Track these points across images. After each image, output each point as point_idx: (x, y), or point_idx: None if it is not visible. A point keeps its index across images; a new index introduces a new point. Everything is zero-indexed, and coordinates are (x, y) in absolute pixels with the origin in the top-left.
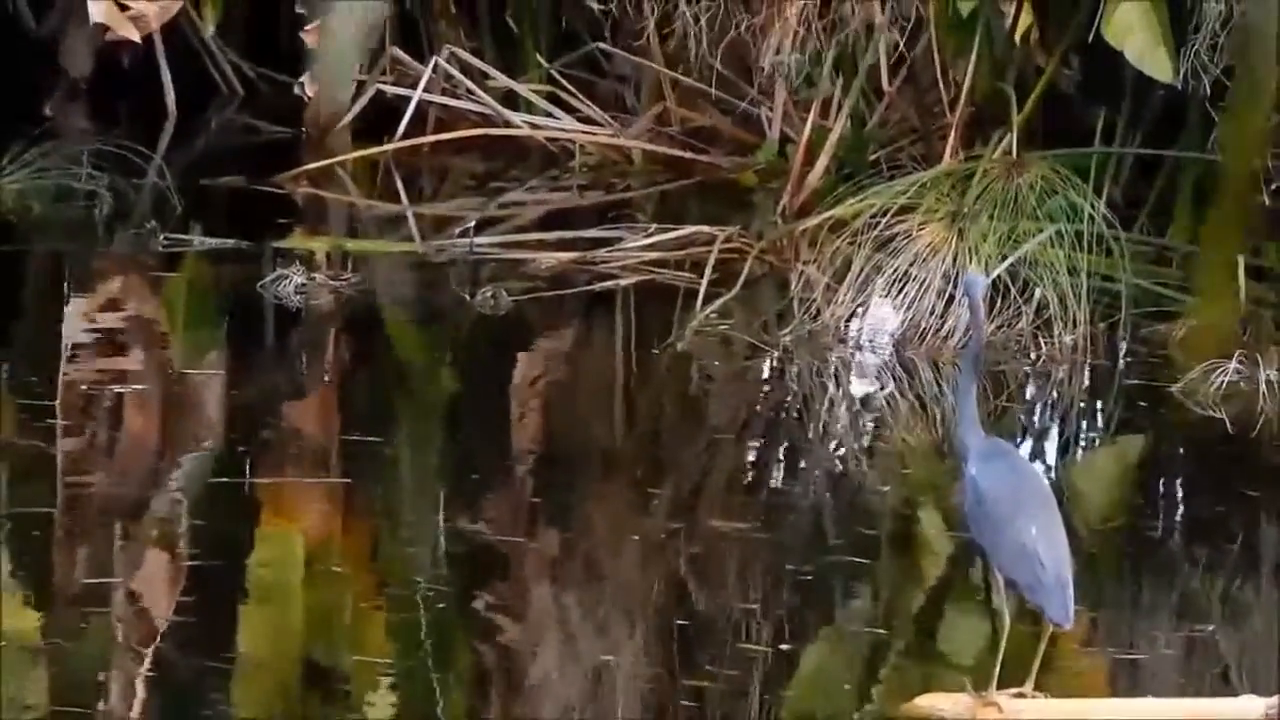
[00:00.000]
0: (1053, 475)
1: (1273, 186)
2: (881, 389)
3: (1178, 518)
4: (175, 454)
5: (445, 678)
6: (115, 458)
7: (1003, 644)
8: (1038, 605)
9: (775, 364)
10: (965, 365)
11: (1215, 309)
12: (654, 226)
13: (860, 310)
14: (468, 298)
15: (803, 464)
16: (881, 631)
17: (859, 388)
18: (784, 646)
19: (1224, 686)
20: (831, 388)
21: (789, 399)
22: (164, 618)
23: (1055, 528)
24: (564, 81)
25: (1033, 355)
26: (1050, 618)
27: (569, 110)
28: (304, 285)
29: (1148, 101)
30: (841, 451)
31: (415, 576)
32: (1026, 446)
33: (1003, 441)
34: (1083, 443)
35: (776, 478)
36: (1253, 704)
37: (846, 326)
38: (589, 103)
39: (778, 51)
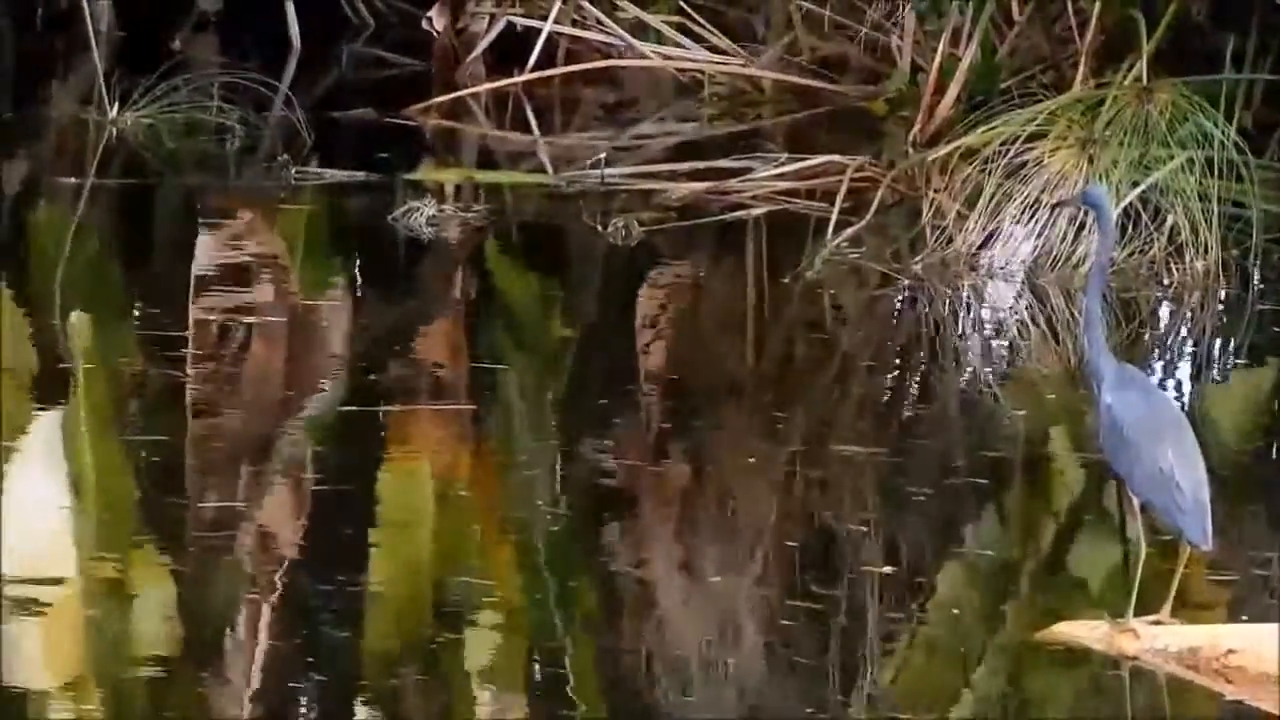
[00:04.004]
0: (1186, 400)
1: None
2: (1013, 315)
3: None
4: (315, 383)
5: (579, 603)
6: (252, 387)
7: (1138, 571)
8: (1176, 528)
9: (906, 292)
10: (1091, 288)
11: None
12: (785, 156)
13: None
14: (599, 228)
15: (935, 390)
16: (1016, 557)
17: (991, 314)
18: (919, 572)
19: None
20: (963, 314)
21: (920, 326)
22: (293, 544)
23: (1192, 451)
24: (692, 12)
25: (1165, 281)
26: (1189, 540)
27: (698, 40)
28: (435, 217)
29: (1278, 27)
30: (974, 378)
31: (549, 504)
32: (1160, 371)
33: (1135, 369)
34: (1216, 368)
35: (909, 404)
36: None
37: (977, 253)
38: (718, 33)
39: None
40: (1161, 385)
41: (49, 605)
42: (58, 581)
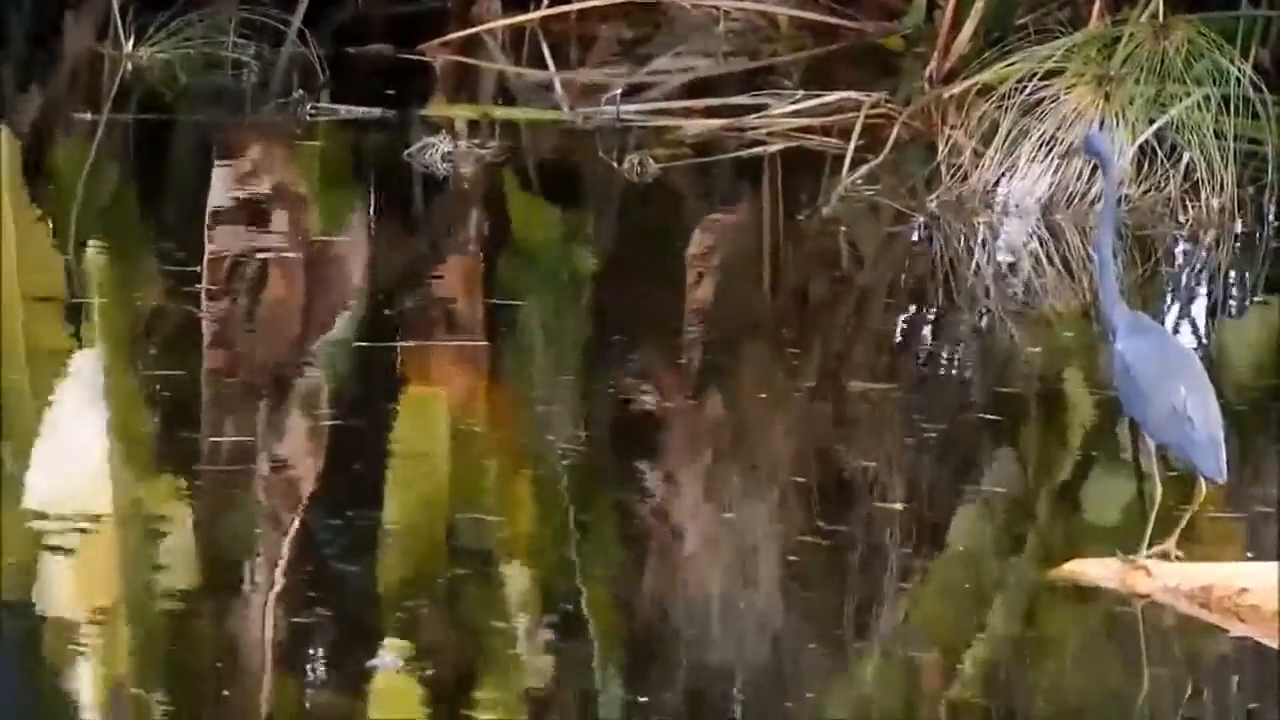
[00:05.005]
0: (1202, 337)
1: None
2: (1028, 253)
3: None
4: (331, 318)
5: (594, 538)
6: (268, 321)
7: (1153, 511)
8: (1190, 463)
9: (922, 228)
10: (1101, 237)
11: None
12: (800, 92)
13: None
14: (615, 164)
15: (950, 327)
16: (1029, 494)
17: (1005, 252)
18: (931, 509)
19: None
20: (978, 251)
21: (935, 264)
22: (309, 480)
23: (1205, 389)
24: None
25: (1181, 218)
26: (1203, 473)
27: None
28: (451, 153)
29: None
30: (989, 315)
31: (563, 439)
32: (1175, 309)
33: (1147, 317)
34: (1231, 305)
35: (924, 341)
36: None
37: (993, 191)
38: None
39: None
40: (1177, 322)
41: (78, 538)
42: (82, 516)
